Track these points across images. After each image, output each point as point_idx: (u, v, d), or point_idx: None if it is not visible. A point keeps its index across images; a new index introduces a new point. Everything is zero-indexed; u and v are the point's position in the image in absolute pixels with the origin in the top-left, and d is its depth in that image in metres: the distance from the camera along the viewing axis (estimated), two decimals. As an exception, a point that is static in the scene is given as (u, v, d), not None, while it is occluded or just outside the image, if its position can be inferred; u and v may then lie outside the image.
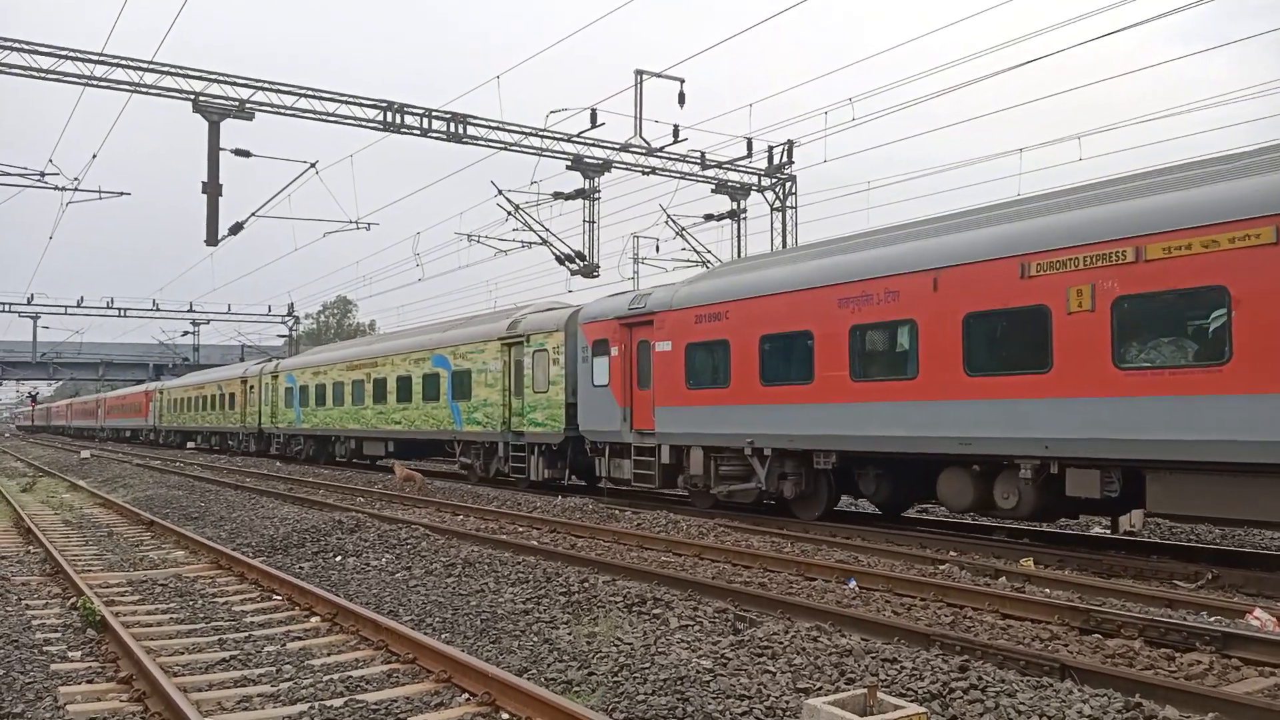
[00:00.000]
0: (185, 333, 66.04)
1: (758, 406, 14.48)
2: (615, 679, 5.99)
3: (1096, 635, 7.33)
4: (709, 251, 28.11)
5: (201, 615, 8.36)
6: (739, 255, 28.13)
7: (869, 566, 10.21)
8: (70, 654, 6.97)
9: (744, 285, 15.10)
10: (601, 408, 18.03)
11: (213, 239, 22.24)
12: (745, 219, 29.27)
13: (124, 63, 21.15)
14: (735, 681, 5.77)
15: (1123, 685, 5.79)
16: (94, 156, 24.93)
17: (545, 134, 25.42)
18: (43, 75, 20.68)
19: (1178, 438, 9.50)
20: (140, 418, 60.51)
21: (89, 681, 6.28)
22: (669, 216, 27.08)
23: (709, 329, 15.48)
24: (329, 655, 6.94)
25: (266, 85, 22.48)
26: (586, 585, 8.77)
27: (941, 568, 10.36)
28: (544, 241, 27.11)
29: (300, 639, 7.43)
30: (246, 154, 22.81)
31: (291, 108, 22.88)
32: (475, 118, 24.73)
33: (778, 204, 28.76)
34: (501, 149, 25.39)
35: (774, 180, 28.68)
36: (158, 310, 59.89)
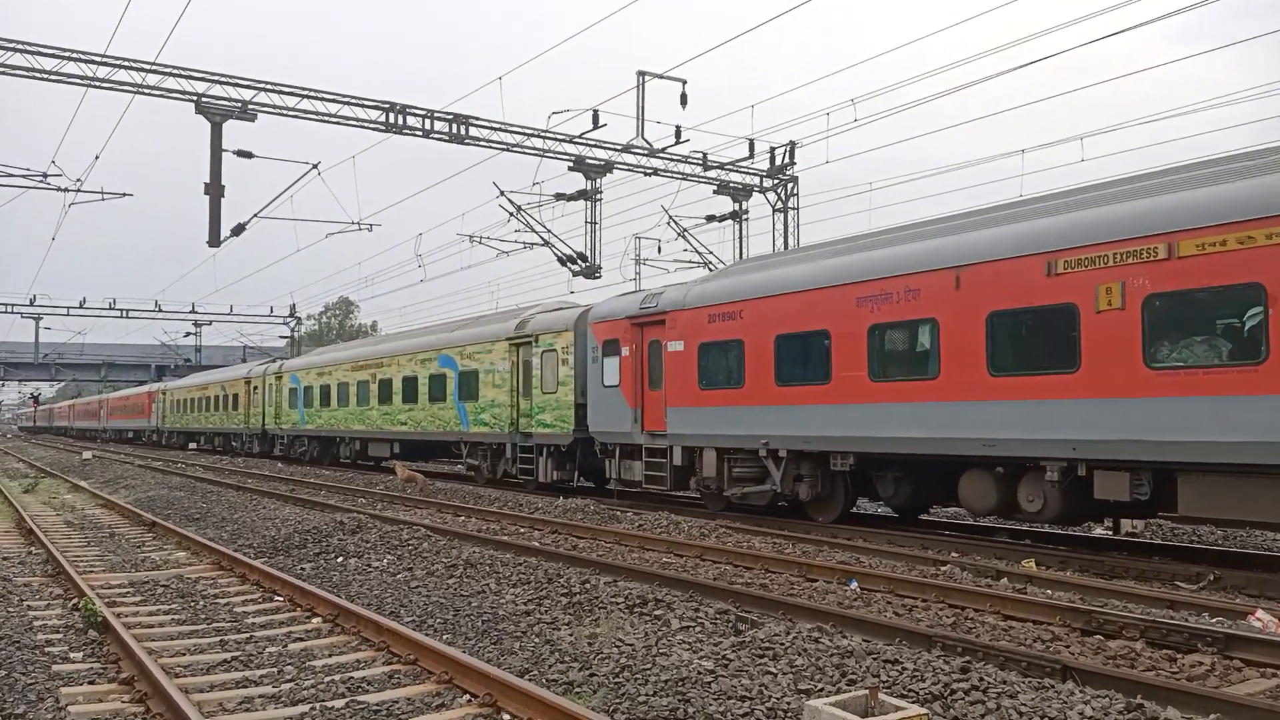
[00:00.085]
0: (187, 334, 66.24)
1: (773, 407, 14.26)
2: (616, 680, 5.99)
3: (1098, 636, 7.33)
4: (710, 252, 28.14)
5: (203, 616, 8.37)
6: (740, 256, 28.13)
7: (871, 568, 10.21)
8: (72, 655, 6.98)
9: (758, 284, 14.89)
10: (612, 408, 17.86)
11: (215, 240, 22.26)
12: (747, 220, 29.30)
13: (126, 64, 21.17)
14: (736, 682, 5.77)
15: (1124, 686, 5.79)
16: (96, 158, 24.95)
17: (547, 135, 25.42)
18: (45, 76, 20.71)
19: (1211, 439, 9.26)
20: (143, 419, 60.60)
21: (91, 682, 6.29)
22: (671, 217, 27.09)
23: (722, 328, 15.27)
24: (330, 656, 6.94)
25: (269, 86, 22.50)
26: (588, 586, 8.76)
27: (943, 569, 10.34)
28: (546, 242, 27.13)
29: (302, 640, 7.43)
30: (249, 155, 22.88)
31: (293, 109, 22.90)
32: (477, 119, 24.72)
33: (779, 205, 28.76)
34: (504, 150, 25.40)
35: (776, 181, 28.69)
36: (160, 311, 60.08)
